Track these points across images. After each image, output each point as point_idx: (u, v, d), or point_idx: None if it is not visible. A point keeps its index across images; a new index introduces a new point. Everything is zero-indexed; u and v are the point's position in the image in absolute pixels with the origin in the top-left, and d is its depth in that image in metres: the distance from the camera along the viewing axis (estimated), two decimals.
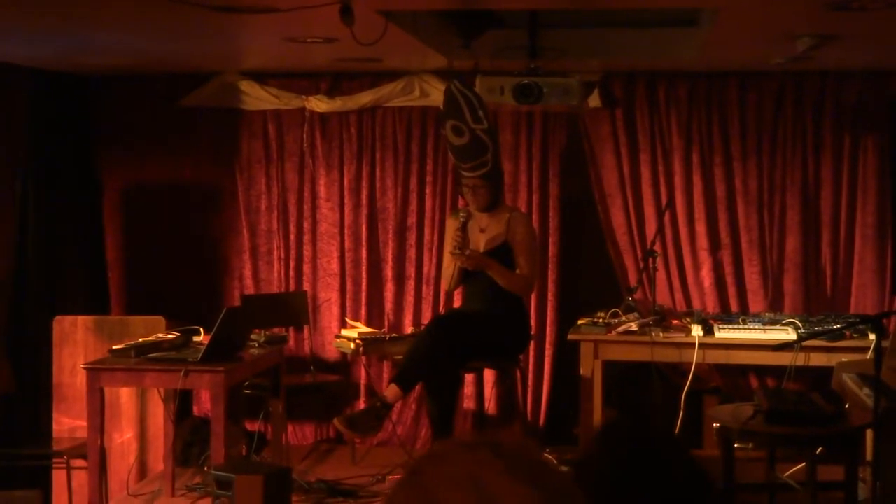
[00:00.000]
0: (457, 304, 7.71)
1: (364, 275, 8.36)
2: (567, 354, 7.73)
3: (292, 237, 8.46)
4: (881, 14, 5.24)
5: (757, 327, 7.17)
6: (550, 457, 7.73)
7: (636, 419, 2.08)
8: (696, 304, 7.91)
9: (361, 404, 8.24)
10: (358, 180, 8.36)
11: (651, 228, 7.92)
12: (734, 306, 7.92)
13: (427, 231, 8.29)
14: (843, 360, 6.55)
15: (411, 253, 8.33)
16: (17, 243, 7.74)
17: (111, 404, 7.01)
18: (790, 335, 6.94)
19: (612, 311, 7.43)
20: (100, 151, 8.58)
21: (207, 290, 8.46)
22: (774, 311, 7.72)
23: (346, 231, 8.37)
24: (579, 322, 7.39)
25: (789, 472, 6.83)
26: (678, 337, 7.15)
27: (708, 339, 7.10)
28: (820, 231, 7.93)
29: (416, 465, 1.51)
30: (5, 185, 7.68)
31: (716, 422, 5.78)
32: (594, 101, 7.89)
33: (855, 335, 6.98)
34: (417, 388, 7.03)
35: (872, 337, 6.54)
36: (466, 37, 6.72)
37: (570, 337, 7.31)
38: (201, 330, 6.81)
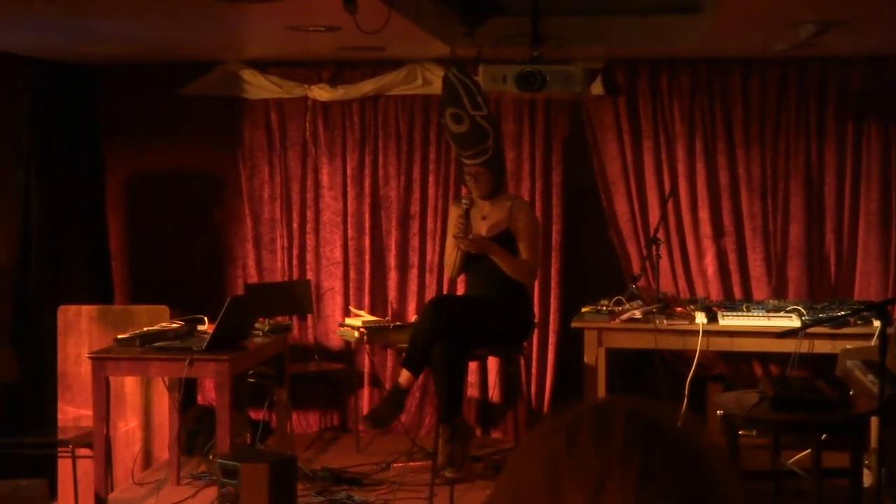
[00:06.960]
0: (460, 292, 7.71)
1: (367, 263, 8.36)
2: (571, 342, 7.72)
3: (295, 226, 8.46)
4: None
5: (761, 314, 7.16)
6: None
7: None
8: (700, 292, 7.91)
9: (365, 392, 8.26)
10: (361, 169, 8.35)
11: (654, 216, 7.92)
12: (738, 293, 7.92)
13: (430, 219, 8.28)
14: (848, 346, 6.54)
15: (414, 241, 8.33)
16: (21, 233, 7.75)
17: (116, 393, 7.04)
18: (794, 322, 6.91)
19: (616, 298, 7.42)
20: (102, 141, 8.58)
21: (211, 279, 8.47)
22: (778, 299, 7.71)
23: (349, 220, 8.37)
24: (583, 310, 7.38)
25: (794, 458, 6.83)
26: (682, 324, 7.14)
27: (712, 327, 7.08)
28: (824, 218, 7.92)
29: (572, 424, 1.20)
30: (8, 174, 7.69)
31: (720, 409, 5.77)
32: (597, 88, 7.87)
33: (859, 322, 6.96)
34: (421, 377, 7.05)
35: (877, 324, 6.56)
36: (469, 24, 6.72)
37: (573, 325, 7.30)
38: (205, 319, 6.82)
